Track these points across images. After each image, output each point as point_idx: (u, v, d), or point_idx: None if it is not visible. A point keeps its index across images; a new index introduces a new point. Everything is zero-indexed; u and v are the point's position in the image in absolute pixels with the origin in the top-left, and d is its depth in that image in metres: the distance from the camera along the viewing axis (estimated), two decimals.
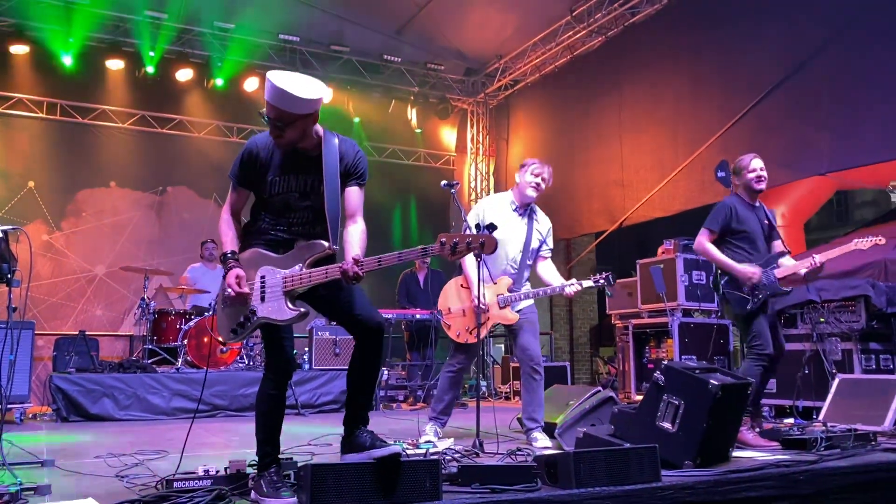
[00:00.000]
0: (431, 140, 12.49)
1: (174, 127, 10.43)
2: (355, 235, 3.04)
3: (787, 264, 4.61)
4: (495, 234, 3.73)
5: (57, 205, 9.60)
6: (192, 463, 3.21)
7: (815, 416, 5.42)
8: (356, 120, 11.45)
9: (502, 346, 11.35)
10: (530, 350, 4.66)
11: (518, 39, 10.98)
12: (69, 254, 9.60)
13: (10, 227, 3.58)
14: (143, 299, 7.65)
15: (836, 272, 6.34)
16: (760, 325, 4.52)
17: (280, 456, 3.05)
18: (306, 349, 8.07)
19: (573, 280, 4.75)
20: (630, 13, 9.53)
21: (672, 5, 9.01)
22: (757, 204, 4.81)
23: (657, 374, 3.69)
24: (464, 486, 2.90)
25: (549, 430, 4.51)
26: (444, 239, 2.83)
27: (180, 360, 7.40)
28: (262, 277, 2.97)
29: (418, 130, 12.13)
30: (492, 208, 4.80)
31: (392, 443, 2.87)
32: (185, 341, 7.39)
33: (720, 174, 7.51)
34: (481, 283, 4.34)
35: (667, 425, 3.54)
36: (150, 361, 7.39)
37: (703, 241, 4.71)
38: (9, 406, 6.04)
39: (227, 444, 4.97)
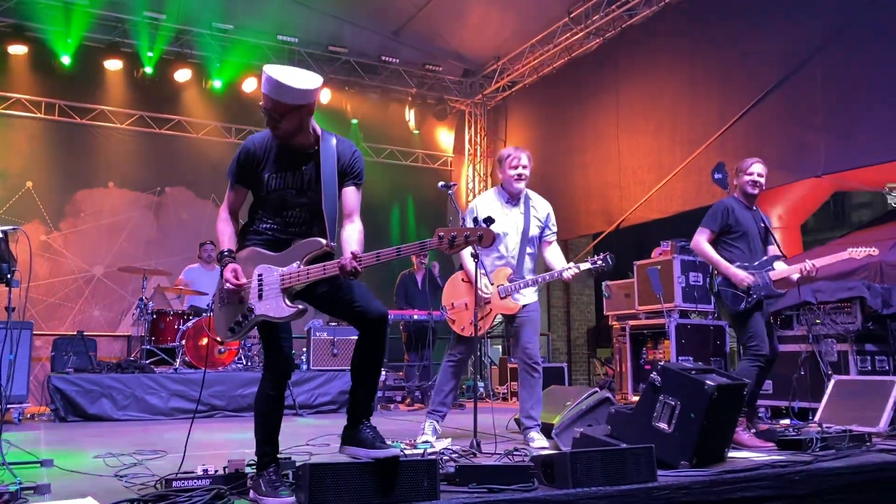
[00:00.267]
0: (429, 141, 12.51)
1: (172, 127, 10.43)
2: (353, 235, 3.05)
3: (782, 268, 4.63)
4: (493, 227, 3.74)
5: (55, 205, 9.60)
6: (191, 463, 3.23)
7: (811, 418, 5.44)
8: (354, 121, 11.47)
9: (500, 347, 11.37)
10: (529, 348, 4.67)
11: (516, 41, 11.00)
12: (67, 254, 9.60)
13: (10, 227, 3.59)
14: (141, 300, 7.66)
15: (832, 274, 6.37)
16: (757, 326, 4.54)
17: (278, 456, 3.06)
18: (304, 350, 8.08)
19: (571, 264, 4.71)
20: (628, 15, 9.56)
21: (669, 7, 9.03)
22: (754, 207, 4.84)
23: (653, 374, 3.71)
24: (461, 486, 2.91)
25: (546, 430, 4.53)
26: (441, 233, 2.84)
27: (178, 361, 7.40)
28: (260, 275, 2.97)
29: (416, 131, 12.15)
30: (484, 206, 4.78)
31: (390, 443, 2.89)
32: (184, 342, 7.40)
33: (717, 176, 7.54)
34: (479, 275, 4.37)
35: (663, 426, 3.56)
36: (148, 362, 7.40)
37: (701, 240, 4.73)
38: (7, 406, 6.04)
39: (226, 445, 4.99)
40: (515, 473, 2.97)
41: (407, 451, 3.70)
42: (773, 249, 4.79)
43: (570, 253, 11.94)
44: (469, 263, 4.63)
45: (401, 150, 12.10)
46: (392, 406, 8.35)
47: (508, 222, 4.77)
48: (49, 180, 9.62)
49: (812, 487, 3.31)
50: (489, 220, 3.66)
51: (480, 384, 8.97)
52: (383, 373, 8.28)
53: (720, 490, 3.12)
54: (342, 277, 2.88)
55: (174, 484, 2.89)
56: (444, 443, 4.37)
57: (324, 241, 2.97)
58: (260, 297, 2.96)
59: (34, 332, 6.98)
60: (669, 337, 7.12)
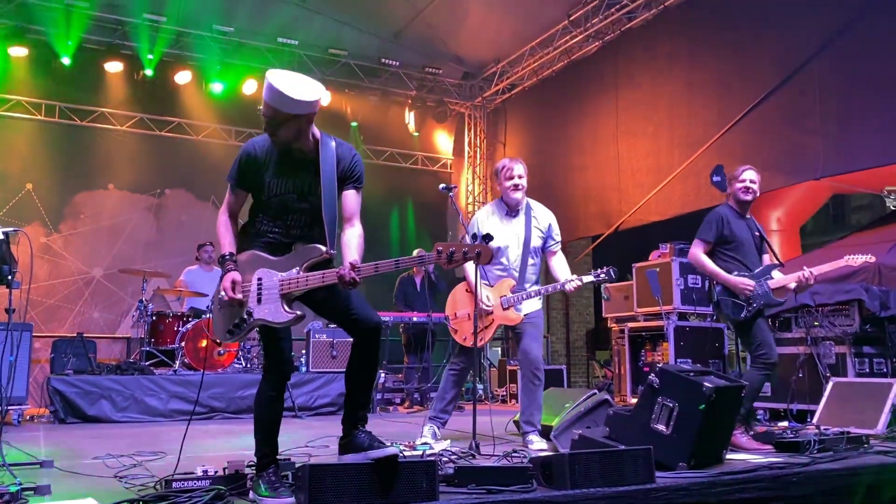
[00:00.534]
0: (429, 143, 12.54)
1: (172, 129, 10.45)
2: (353, 239, 3.06)
3: (780, 277, 4.63)
4: (492, 244, 3.75)
5: (55, 207, 9.62)
6: (191, 464, 3.23)
7: (809, 420, 5.44)
8: (354, 123, 11.50)
9: (499, 349, 11.38)
10: (532, 354, 4.68)
11: (515, 44, 11.03)
12: (67, 256, 9.61)
13: (12, 229, 3.60)
14: (140, 301, 7.67)
15: (830, 276, 6.38)
16: (763, 334, 4.52)
17: (278, 457, 3.07)
18: (303, 352, 8.09)
19: (573, 276, 4.71)
20: (627, 18, 9.58)
21: (668, 10, 9.06)
22: (748, 216, 4.82)
23: (652, 376, 3.72)
24: (460, 487, 2.92)
25: (545, 432, 4.54)
26: (440, 248, 2.87)
27: (178, 363, 7.41)
28: (259, 279, 2.99)
29: (416, 134, 12.17)
30: (484, 220, 4.82)
31: (389, 444, 2.90)
32: (183, 343, 7.41)
33: (716, 179, 7.55)
34: (479, 286, 4.37)
35: (661, 427, 3.57)
36: (147, 363, 7.40)
37: (698, 252, 4.68)
38: (7, 408, 6.05)
39: (225, 446, 4.99)
40: (514, 475, 2.98)
41: (406, 453, 3.71)
42: (767, 258, 4.79)
43: (568, 255, 11.96)
44: (471, 275, 4.64)
45: (400, 152, 12.13)
46: (391, 408, 8.36)
47: (509, 234, 4.77)
48: (49, 182, 9.64)
49: (809, 489, 3.32)
50: (488, 238, 3.66)
51: (479, 386, 8.97)
52: (382, 375, 8.30)
53: (718, 491, 3.14)
54: (340, 286, 2.90)
55: (174, 485, 2.90)
56: (443, 444, 4.39)
57: (323, 249, 2.98)
58: (259, 300, 2.97)
59: (34, 334, 6.99)
60: (668, 339, 7.12)
